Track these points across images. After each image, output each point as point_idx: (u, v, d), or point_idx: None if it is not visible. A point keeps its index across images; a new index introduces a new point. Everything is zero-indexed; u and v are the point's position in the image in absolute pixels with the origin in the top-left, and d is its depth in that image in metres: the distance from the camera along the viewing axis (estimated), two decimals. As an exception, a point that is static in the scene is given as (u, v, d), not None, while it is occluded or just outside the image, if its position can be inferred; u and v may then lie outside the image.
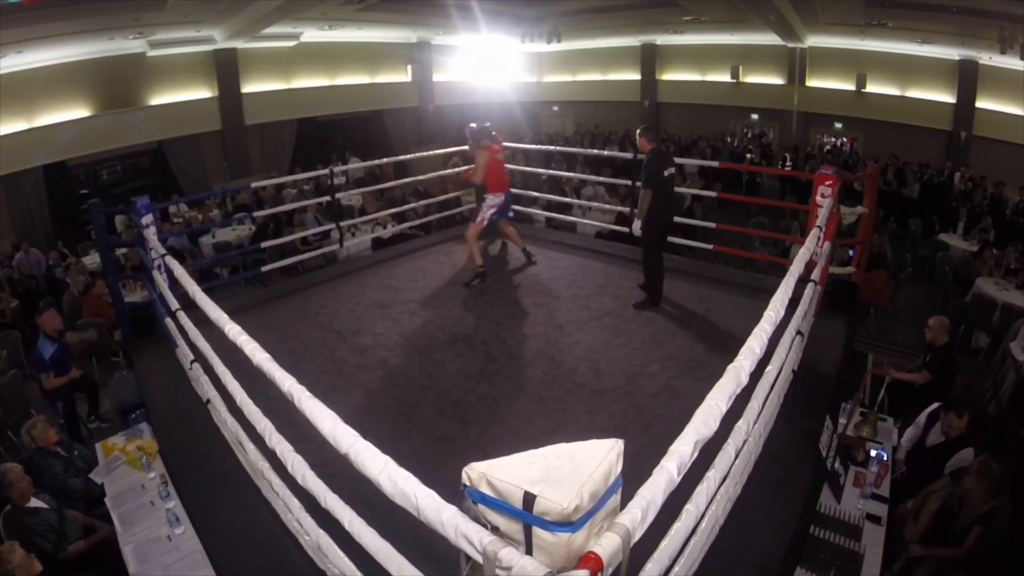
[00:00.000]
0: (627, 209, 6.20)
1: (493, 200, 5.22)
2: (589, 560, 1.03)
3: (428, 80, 15.31)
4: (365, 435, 1.48)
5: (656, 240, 4.58)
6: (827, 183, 4.17)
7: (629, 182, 6.00)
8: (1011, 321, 5.58)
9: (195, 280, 2.76)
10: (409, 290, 5.12)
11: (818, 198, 4.22)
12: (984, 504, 2.97)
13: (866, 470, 3.28)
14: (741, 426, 1.82)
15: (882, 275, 6.42)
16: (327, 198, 6.74)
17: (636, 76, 16.18)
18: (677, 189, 7.54)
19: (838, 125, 14.08)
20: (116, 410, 4.48)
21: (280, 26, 10.94)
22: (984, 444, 3.59)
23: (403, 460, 1.38)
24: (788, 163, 12.67)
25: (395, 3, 11.41)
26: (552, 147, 8.63)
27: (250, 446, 2.38)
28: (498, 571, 1.09)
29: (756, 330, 1.89)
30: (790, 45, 13.32)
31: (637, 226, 4.51)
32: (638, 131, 4.66)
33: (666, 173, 4.41)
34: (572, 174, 8.22)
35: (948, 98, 12.25)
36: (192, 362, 3.15)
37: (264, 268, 5.54)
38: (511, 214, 5.67)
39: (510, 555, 1.07)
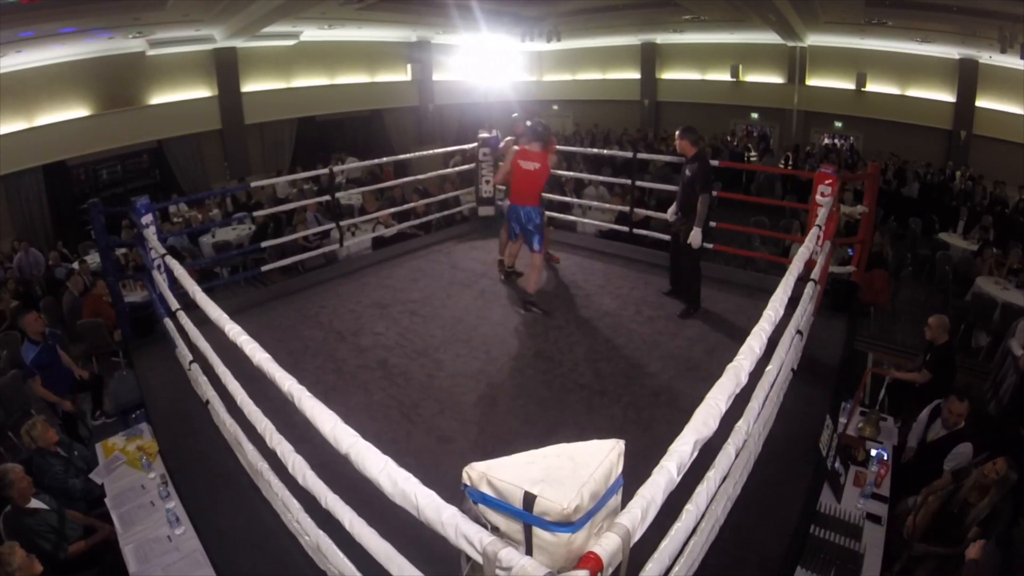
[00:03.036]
0: (627, 208, 6.18)
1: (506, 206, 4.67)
2: (589, 560, 1.04)
3: (428, 79, 15.31)
4: (365, 435, 1.48)
5: (701, 247, 4.36)
6: (827, 182, 4.17)
7: (629, 181, 6.00)
8: (1011, 320, 5.57)
9: (195, 280, 2.75)
10: (409, 290, 5.12)
11: (818, 197, 4.22)
12: (988, 508, 2.98)
13: (866, 470, 3.28)
14: (741, 426, 1.82)
15: (882, 274, 6.42)
16: (327, 197, 6.74)
17: (636, 75, 16.18)
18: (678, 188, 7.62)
19: (838, 124, 14.08)
20: (116, 410, 4.49)
21: (280, 25, 10.94)
22: (983, 441, 3.60)
23: (403, 460, 1.39)
24: (790, 163, 12.70)
25: (395, 2, 11.40)
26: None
27: (249, 446, 2.38)
28: (498, 571, 1.09)
29: (756, 329, 1.89)
30: (790, 44, 13.32)
31: (698, 236, 4.13)
32: (677, 133, 4.30)
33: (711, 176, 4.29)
34: (572, 173, 8.21)
35: (948, 97, 12.26)
36: (191, 362, 3.15)
37: (264, 268, 5.53)
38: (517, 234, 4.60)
39: (510, 555, 1.07)
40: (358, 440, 1.46)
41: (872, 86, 13.11)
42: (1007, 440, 4.39)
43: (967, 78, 11.82)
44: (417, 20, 12.97)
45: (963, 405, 3.54)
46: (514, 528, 1.15)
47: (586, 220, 7.58)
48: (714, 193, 5.18)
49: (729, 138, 14.93)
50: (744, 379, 1.65)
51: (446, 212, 7.25)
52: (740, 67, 14.60)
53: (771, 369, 2.11)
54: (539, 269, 4.58)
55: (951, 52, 11.62)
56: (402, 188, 8.81)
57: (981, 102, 11.83)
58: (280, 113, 12.98)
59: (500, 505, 1.15)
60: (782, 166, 12.80)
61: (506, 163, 4.58)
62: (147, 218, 4.22)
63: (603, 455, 1.19)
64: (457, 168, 7.58)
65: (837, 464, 3.18)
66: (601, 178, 7.56)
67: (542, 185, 4.46)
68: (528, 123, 4.53)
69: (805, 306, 2.88)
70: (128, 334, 4.50)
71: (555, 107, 18.10)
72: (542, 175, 4.40)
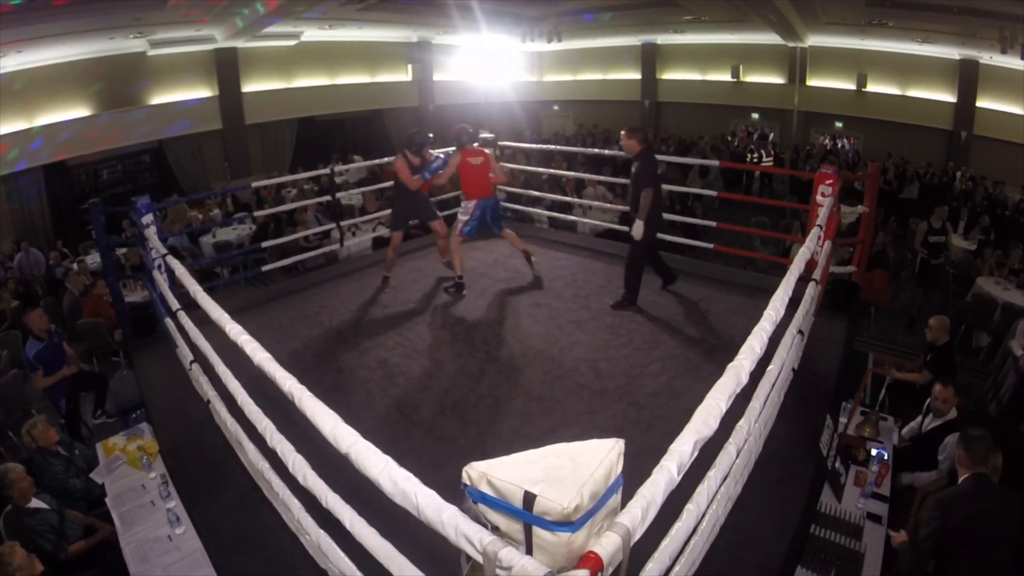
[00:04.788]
0: (628, 208, 6.17)
1: (464, 207, 4.93)
2: (589, 560, 1.03)
3: (428, 79, 15.32)
4: (365, 435, 1.48)
5: (648, 240, 4.44)
6: (827, 182, 4.17)
7: (628, 182, 5.99)
8: (1011, 321, 5.57)
9: (195, 280, 2.75)
10: (409, 290, 5.12)
11: (818, 197, 4.22)
12: None
13: (867, 469, 3.28)
14: (742, 425, 1.82)
15: (882, 275, 6.42)
16: (327, 197, 6.74)
17: (637, 75, 16.20)
18: (677, 188, 7.59)
19: (839, 124, 14.09)
20: (117, 410, 4.49)
21: (280, 25, 10.95)
22: None
23: (403, 460, 1.38)
24: (768, 158, 12.84)
25: (396, 3, 11.41)
26: (553, 147, 8.62)
27: (250, 446, 2.38)
28: (498, 571, 1.09)
29: (756, 329, 1.88)
30: (791, 45, 13.32)
31: (640, 228, 4.27)
32: (623, 132, 4.40)
33: (659, 171, 4.41)
34: (572, 173, 8.20)
35: (949, 98, 12.26)
36: (192, 362, 3.14)
37: (264, 268, 5.54)
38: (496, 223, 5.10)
39: (510, 555, 1.07)
40: (358, 440, 1.46)
41: (873, 86, 13.12)
42: (1006, 439, 4.39)
43: (968, 78, 11.83)
44: (418, 20, 12.98)
45: (948, 390, 3.55)
46: (514, 528, 1.14)
47: (586, 220, 7.58)
48: (718, 194, 5.19)
49: (730, 138, 14.95)
50: (745, 379, 1.64)
51: (447, 212, 7.23)
52: (741, 67, 14.61)
53: (772, 369, 2.11)
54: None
55: (952, 53, 11.62)
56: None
57: (982, 102, 11.83)
58: (281, 113, 12.99)
59: (500, 505, 1.15)
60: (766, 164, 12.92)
61: (452, 162, 4.84)
62: (148, 218, 4.23)
63: (603, 455, 1.19)
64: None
65: (838, 464, 3.17)
66: (602, 178, 7.55)
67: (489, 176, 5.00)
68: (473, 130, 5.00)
69: (806, 306, 2.87)
70: (128, 334, 4.50)
71: (556, 107, 18.11)
72: (487, 167, 4.94)
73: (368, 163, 8.63)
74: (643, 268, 4.58)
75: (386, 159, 7.99)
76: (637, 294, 4.60)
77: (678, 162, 9.96)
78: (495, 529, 1.18)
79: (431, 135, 5.00)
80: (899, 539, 2.84)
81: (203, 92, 11.72)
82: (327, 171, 6.06)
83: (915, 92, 12.67)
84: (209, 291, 2.65)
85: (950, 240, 7.83)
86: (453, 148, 4.94)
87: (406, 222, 5.25)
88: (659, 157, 9.22)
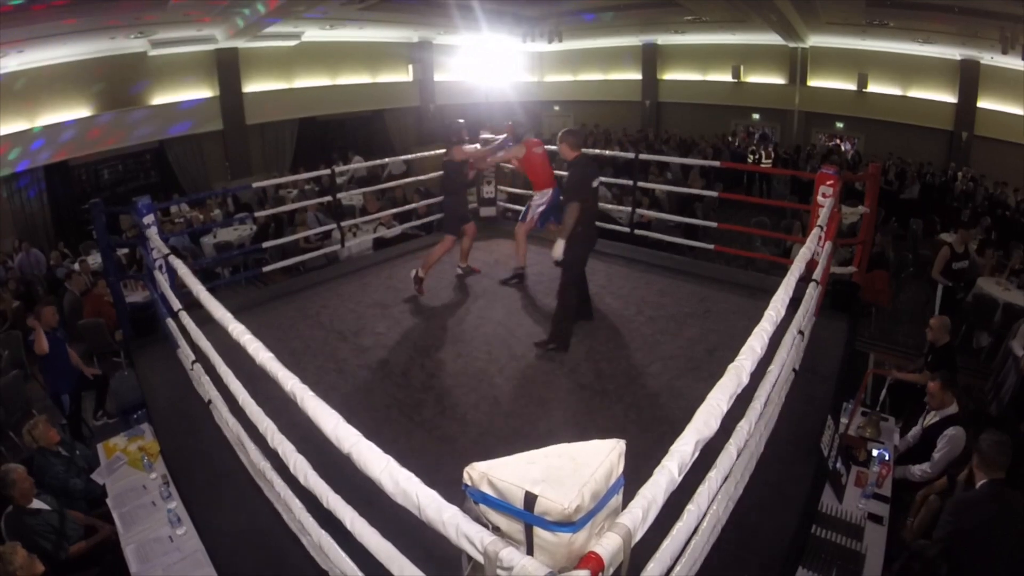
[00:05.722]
0: (629, 209, 6.18)
1: (540, 198, 4.86)
2: (590, 560, 1.03)
3: (429, 80, 15.34)
4: (366, 435, 1.48)
5: (579, 267, 4.00)
6: (828, 183, 4.17)
7: (631, 182, 6.01)
8: (1012, 321, 5.57)
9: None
10: (410, 290, 5.11)
11: (819, 198, 4.22)
12: None
13: (868, 470, 3.28)
14: (743, 426, 1.82)
15: (883, 275, 6.41)
16: (328, 198, 6.74)
17: (637, 76, 16.21)
18: (680, 189, 7.57)
19: (839, 125, 14.09)
20: (118, 410, 4.49)
21: (281, 25, 10.96)
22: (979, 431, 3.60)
23: (404, 460, 1.38)
24: (767, 160, 12.86)
25: (396, 3, 11.42)
26: (553, 147, 8.61)
27: (251, 446, 2.38)
28: (499, 571, 1.09)
29: (757, 329, 1.88)
30: (791, 45, 13.33)
31: (560, 248, 3.68)
32: (559, 135, 3.93)
33: (594, 184, 3.84)
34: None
35: (949, 98, 12.26)
36: (193, 362, 3.14)
37: (265, 268, 5.54)
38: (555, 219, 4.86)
39: (511, 555, 1.07)
40: (360, 440, 1.46)
41: (873, 87, 13.12)
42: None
43: (968, 79, 11.83)
44: (418, 20, 12.99)
45: (935, 385, 3.59)
46: (515, 528, 1.15)
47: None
48: (719, 195, 5.17)
49: (731, 138, 14.96)
50: (746, 379, 1.64)
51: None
52: (741, 68, 14.62)
53: (773, 369, 2.11)
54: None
55: (952, 53, 11.62)
56: (403, 188, 8.81)
57: (983, 103, 11.84)
58: (281, 113, 12.99)
59: (501, 505, 1.15)
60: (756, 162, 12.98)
61: (518, 152, 4.86)
62: (149, 218, 4.22)
63: (604, 455, 1.19)
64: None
65: (839, 464, 3.18)
66: (602, 178, 7.53)
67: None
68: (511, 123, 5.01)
69: (807, 306, 2.87)
70: (129, 334, 4.50)
71: (556, 108, 18.12)
72: (547, 157, 4.97)
73: (410, 156, 8.51)
74: (573, 303, 3.97)
75: (387, 160, 8.05)
76: (568, 335, 3.95)
77: (673, 162, 9.99)
78: (496, 529, 1.18)
79: (462, 120, 4.95)
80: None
81: (204, 92, 11.73)
82: (328, 172, 6.06)
83: (916, 92, 12.67)
84: (210, 291, 2.65)
85: (975, 265, 6.48)
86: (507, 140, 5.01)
87: (460, 224, 5.02)
88: (655, 158, 9.23)
